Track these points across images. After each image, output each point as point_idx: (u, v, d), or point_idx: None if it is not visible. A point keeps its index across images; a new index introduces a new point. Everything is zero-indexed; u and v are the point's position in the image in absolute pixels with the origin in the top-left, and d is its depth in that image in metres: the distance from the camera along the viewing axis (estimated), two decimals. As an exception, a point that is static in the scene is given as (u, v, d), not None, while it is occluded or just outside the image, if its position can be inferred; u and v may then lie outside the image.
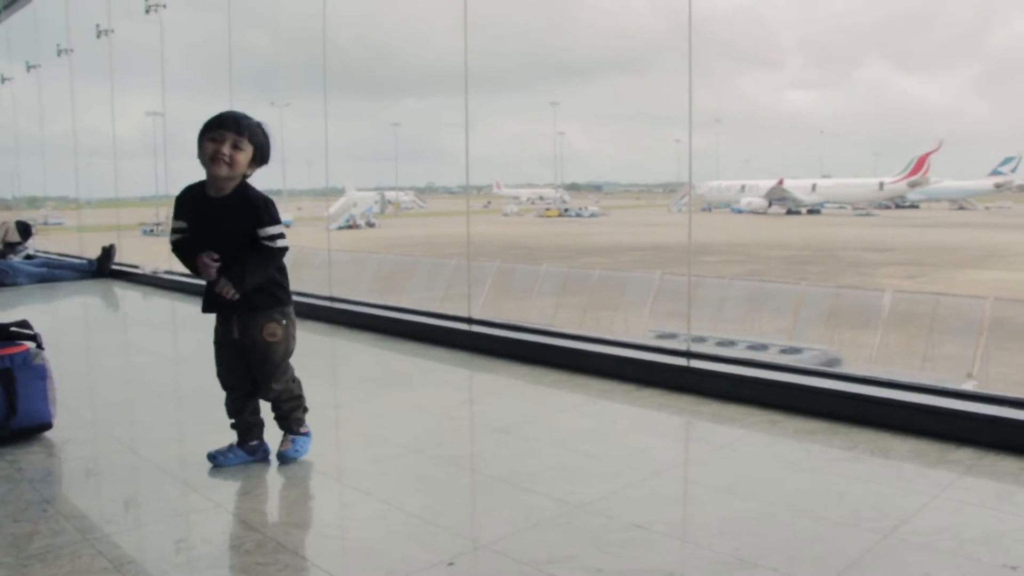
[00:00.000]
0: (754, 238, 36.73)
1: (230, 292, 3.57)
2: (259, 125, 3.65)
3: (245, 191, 3.64)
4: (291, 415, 3.87)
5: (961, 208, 49.40)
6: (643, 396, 4.92)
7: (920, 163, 44.22)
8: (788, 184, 44.47)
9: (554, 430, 4.35)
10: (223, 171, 3.53)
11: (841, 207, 46.37)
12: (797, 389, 4.51)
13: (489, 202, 67.52)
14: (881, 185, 45.49)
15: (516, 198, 64.83)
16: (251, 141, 3.58)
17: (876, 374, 4.59)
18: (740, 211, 45.22)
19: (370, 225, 45.19)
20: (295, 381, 3.88)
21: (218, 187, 3.60)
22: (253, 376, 3.77)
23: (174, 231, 3.66)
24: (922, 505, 3.32)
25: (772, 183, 44.03)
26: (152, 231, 21.61)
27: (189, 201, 3.69)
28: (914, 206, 46.55)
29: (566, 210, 52.22)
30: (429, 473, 3.79)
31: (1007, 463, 3.76)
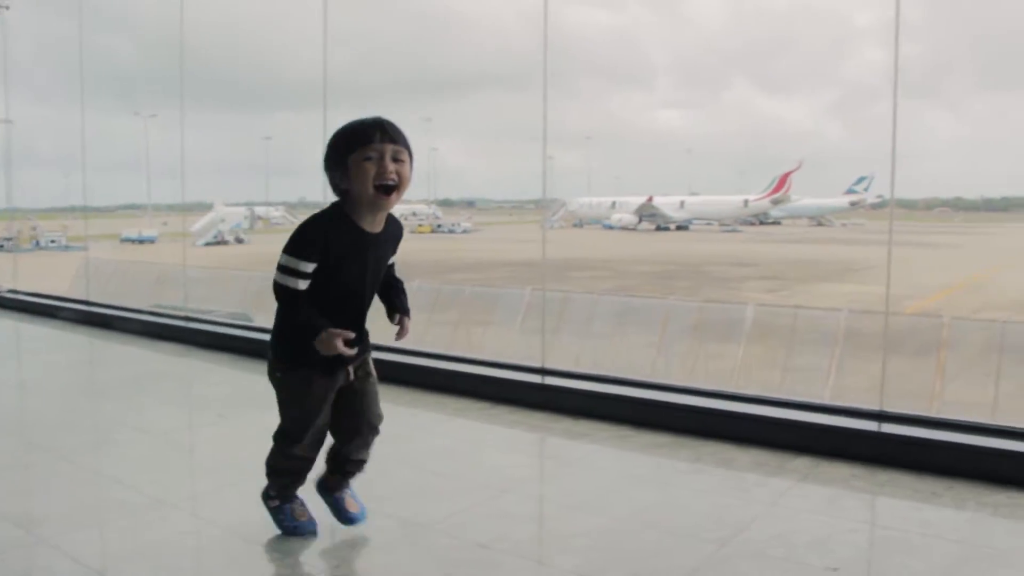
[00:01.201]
0: (624, 254, 37.52)
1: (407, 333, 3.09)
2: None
3: (394, 219, 3.03)
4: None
5: (820, 224, 51.82)
6: (498, 414, 4.92)
7: (782, 181, 46.20)
8: (657, 201, 45.79)
9: (407, 450, 4.30)
10: (395, 199, 2.83)
11: (708, 223, 48.01)
12: (647, 404, 4.59)
13: (361, 218, 66.26)
14: (746, 202, 47.35)
15: (389, 213, 64.01)
16: (410, 152, 2.87)
17: (724, 388, 4.73)
18: (611, 227, 46.25)
19: (239, 241, 44.13)
20: None
21: (378, 219, 2.91)
22: (354, 426, 3.16)
23: (297, 274, 2.80)
24: (759, 514, 3.43)
25: (642, 200, 45.25)
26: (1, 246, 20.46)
27: (338, 239, 2.83)
28: (777, 222, 48.58)
29: (439, 226, 52.22)
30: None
31: (839, 469, 3.92)
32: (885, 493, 3.72)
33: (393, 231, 3.01)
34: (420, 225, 52.93)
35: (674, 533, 3.22)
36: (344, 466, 3.23)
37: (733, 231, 45.89)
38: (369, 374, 3.13)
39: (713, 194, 49.98)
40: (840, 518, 3.43)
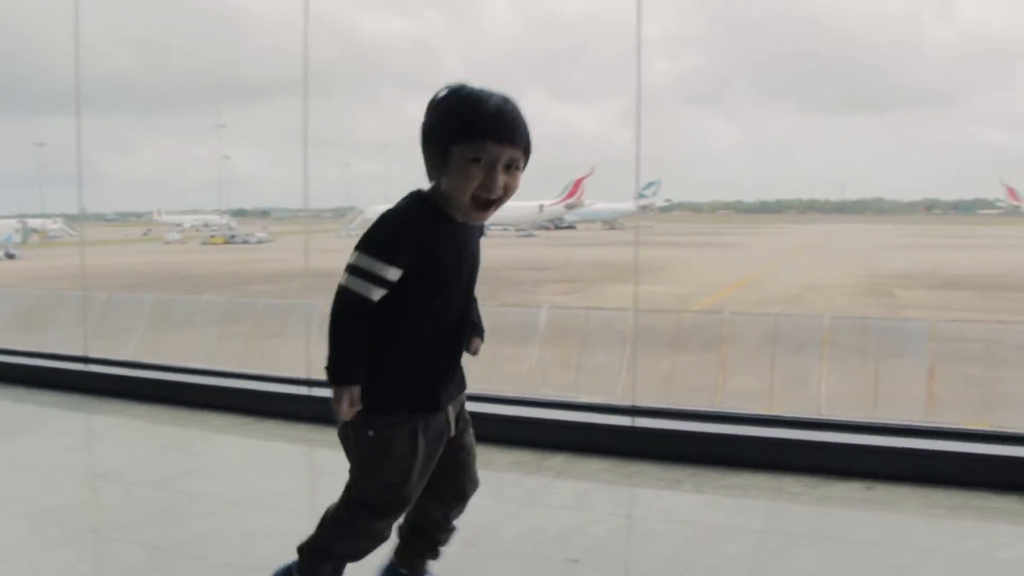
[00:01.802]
0: (424, 261, 37.75)
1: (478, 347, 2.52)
2: None
3: None
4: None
5: (612, 228, 53.93)
6: (261, 428, 4.81)
7: (576, 187, 47.76)
8: (459, 207, 46.08)
9: (159, 471, 4.12)
10: (491, 214, 2.29)
11: (505, 228, 48.91)
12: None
13: (149, 230, 63.70)
14: (541, 208, 48.58)
15: (179, 225, 61.71)
16: (528, 152, 2.27)
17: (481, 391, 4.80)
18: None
19: (9, 256, 41.07)
20: None
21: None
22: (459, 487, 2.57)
23: (375, 280, 2.17)
24: (511, 513, 3.50)
25: (438, 208, 45.38)
26: None
27: (432, 238, 2.23)
28: (571, 227, 50.18)
29: (233, 237, 50.52)
30: (8, 533, 3.43)
31: (593, 464, 4.08)
32: (633, 484, 3.90)
33: (480, 231, 2.43)
34: (212, 236, 51.06)
35: (423, 537, 3.24)
36: (438, 537, 2.63)
37: (529, 236, 46.99)
38: (468, 420, 2.55)
39: (510, 200, 50.98)
40: (587, 511, 3.56)
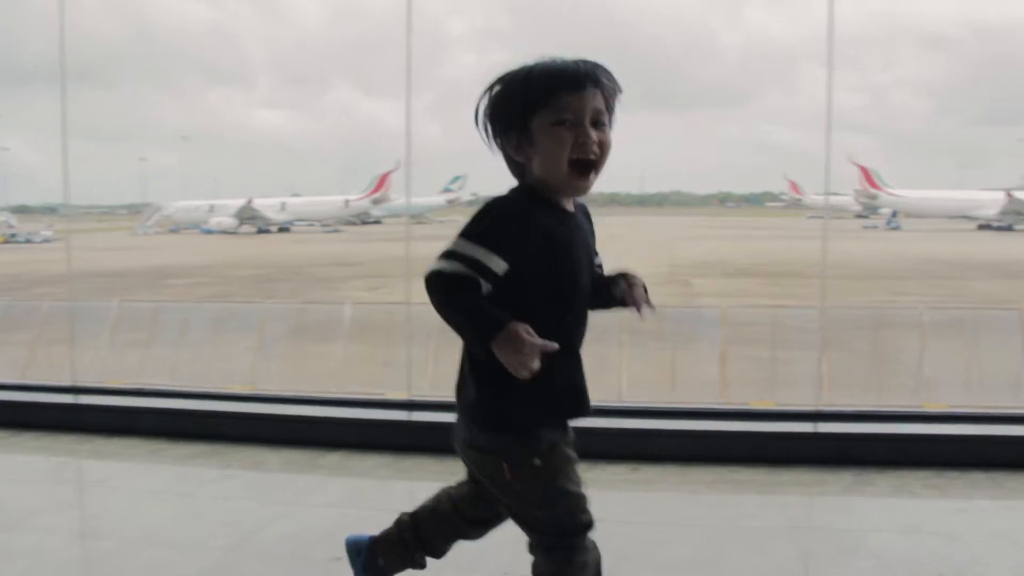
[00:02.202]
0: (224, 258, 36.34)
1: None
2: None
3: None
4: None
5: (420, 223, 53.80)
6: (20, 441, 4.51)
7: (382, 181, 47.32)
8: (258, 203, 44.80)
9: None
10: (593, 182, 2.01)
11: (311, 224, 47.97)
12: (180, 414, 4.45)
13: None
14: (347, 203, 47.88)
15: (-58, 224, 56.65)
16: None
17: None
18: (210, 231, 44.52)
19: None
20: None
21: (569, 200, 2.08)
22: None
23: (479, 268, 1.88)
24: (277, 514, 3.44)
25: (242, 202, 44.12)
26: None
27: (541, 229, 1.96)
28: (378, 222, 49.74)
29: (13, 235, 46.94)
30: None
31: (369, 461, 4.08)
32: (408, 478, 3.93)
33: (584, 211, 2.15)
34: (-9, 236, 47.41)
35: (180, 546, 3.13)
36: (438, 550, 2.52)
37: (335, 231, 46.23)
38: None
39: (315, 195, 50.10)
40: (358, 508, 3.54)
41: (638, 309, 2.12)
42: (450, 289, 1.87)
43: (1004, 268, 27.38)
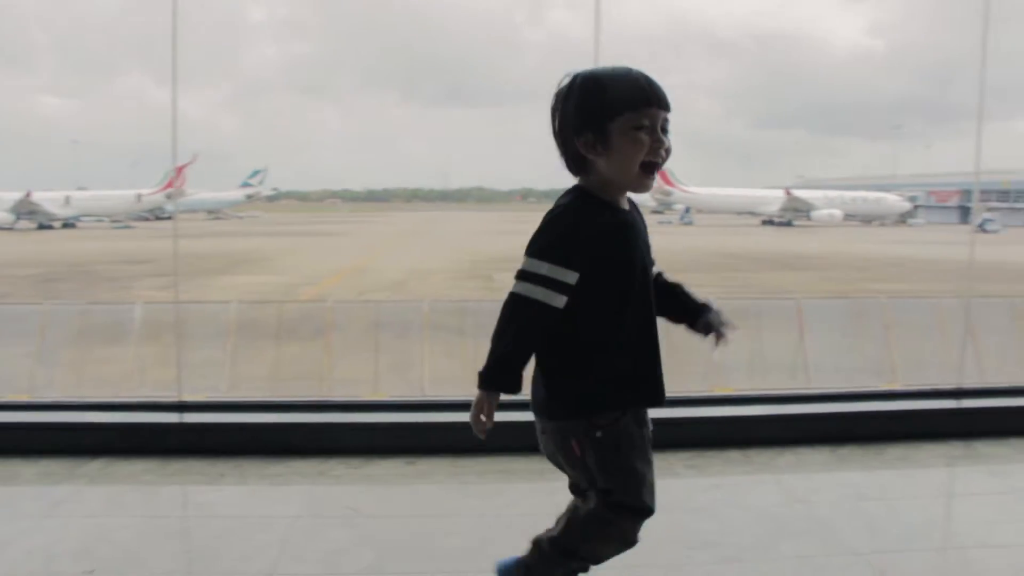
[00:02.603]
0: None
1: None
2: None
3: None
4: None
5: (218, 218, 52.06)
6: None
7: (177, 175, 45.32)
8: (38, 197, 41.89)
9: None
10: (653, 180, 2.20)
11: (99, 220, 45.33)
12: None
13: None
14: (139, 197, 45.53)
15: None
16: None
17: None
18: (-17, 227, 41.39)
19: None
20: None
21: (624, 200, 2.26)
22: None
23: (557, 286, 2.09)
24: (26, 529, 3.23)
25: (20, 196, 41.15)
26: None
27: (606, 233, 2.15)
28: (170, 217, 47.59)
29: None
30: None
31: (133, 466, 3.89)
32: (173, 482, 3.78)
33: (636, 207, 2.29)
34: None
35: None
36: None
37: (127, 227, 43.91)
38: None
39: (104, 189, 47.32)
40: (116, 517, 3.40)
41: (716, 343, 2.38)
42: (515, 313, 2.13)
43: (784, 261, 29.39)
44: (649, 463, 2.35)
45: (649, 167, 2.13)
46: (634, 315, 2.20)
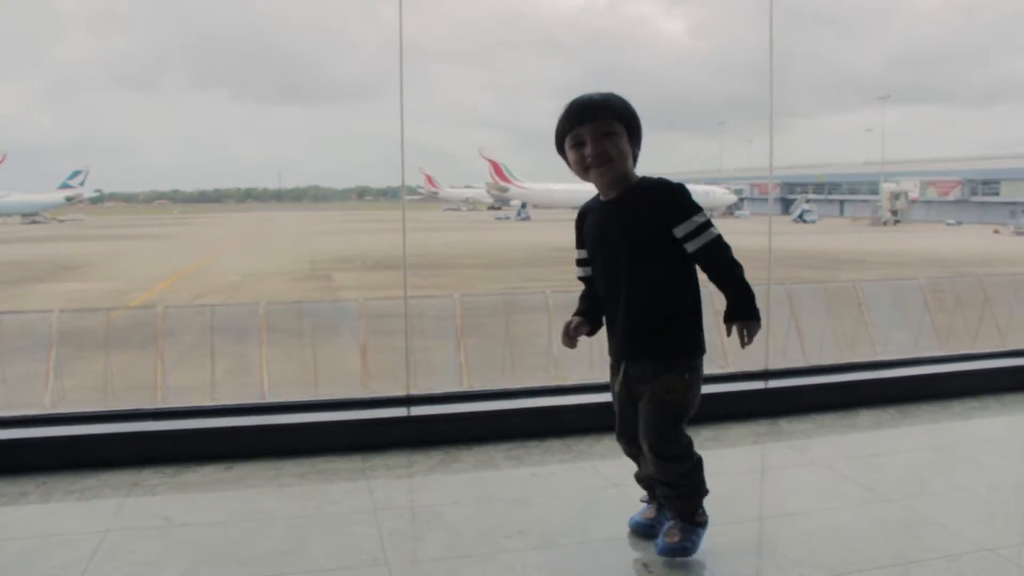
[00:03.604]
0: None
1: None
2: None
3: (649, 182, 2.85)
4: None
5: (35, 222, 49.17)
6: None
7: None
8: None
9: None
10: (607, 170, 2.82)
11: None
12: None
13: None
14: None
15: None
16: (624, 119, 2.81)
17: None
18: None
19: None
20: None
21: (609, 185, 2.88)
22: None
23: (578, 262, 3.09)
24: None
25: None
26: None
27: (589, 217, 2.99)
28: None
29: None
30: None
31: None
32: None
33: (646, 197, 2.81)
34: None
35: None
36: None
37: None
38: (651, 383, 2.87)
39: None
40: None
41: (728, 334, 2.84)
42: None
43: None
44: None
45: (591, 168, 2.77)
46: (603, 286, 2.91)
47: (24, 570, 2.94)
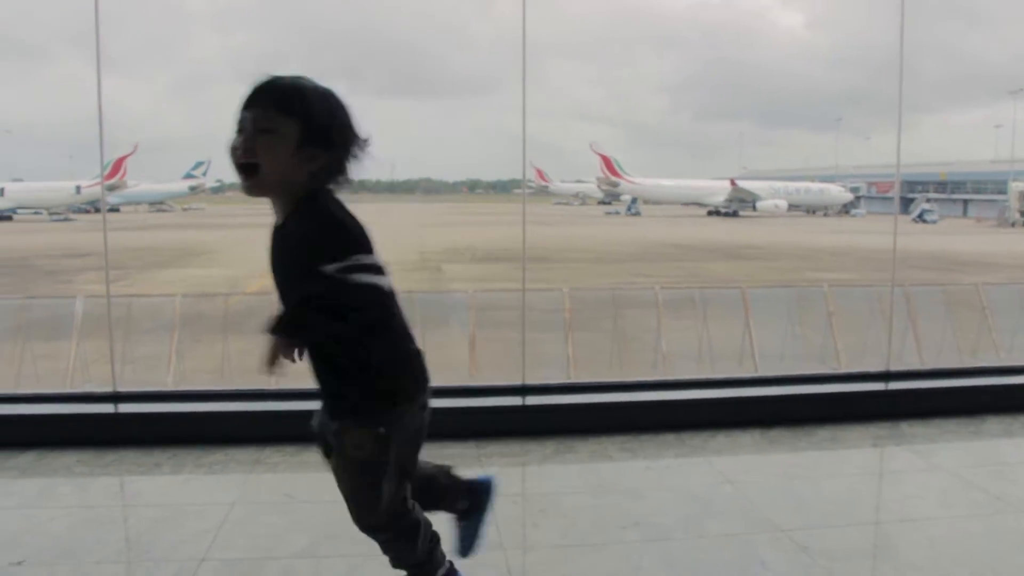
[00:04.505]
0: (-70, 250, 33.23)
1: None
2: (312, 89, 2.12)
3: (311, 212, 2.10)
4: None
5: (161, 210, 51.32)
6: None
7: (117, 166, 44.47)
8: (-34, 189, 41.12)
9: None
10: (253, 185, 2.08)
11: (36, 212, 44.47)
12: None
13: None
14: (78, 189, 44.69)
15: None
16: (297, 114, 2.05)
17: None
18: (-92, 219, 40.31)
19: None
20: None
21: (278, 206, 2.15)
22: None
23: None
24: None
25: (-49, 188, 40.27)
26: None
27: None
28: (115, 209, 46.75)
29: None
30: None
31: (67, 458, 3.87)
32: (108, 473, 3.76)
33: (298, 227, 2.09)
34: None
35: None
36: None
37: (66, 220, 43.10)
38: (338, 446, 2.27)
39: (41, 180, 46.32)
40: (47, 508, 3.36)
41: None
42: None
43: (729, 250, 29.75)
44: None
45: (237, 168, 2.07)
46: None
47: (160, 536, 3.09)
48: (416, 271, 24.36)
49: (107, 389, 4.26)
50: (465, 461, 3.88)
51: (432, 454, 3.93)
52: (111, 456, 3.88)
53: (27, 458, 3.84)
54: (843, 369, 6.98)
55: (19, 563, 2.84)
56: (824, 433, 4.32)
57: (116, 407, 4.18)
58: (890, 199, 57.35)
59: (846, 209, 56.77)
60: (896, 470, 4.10)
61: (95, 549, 3.01)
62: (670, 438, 4.23)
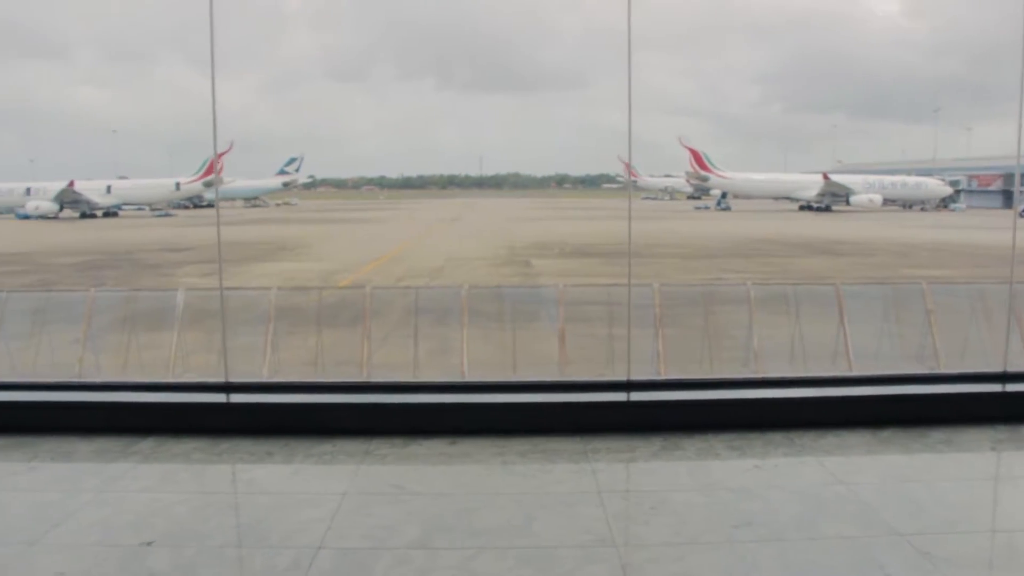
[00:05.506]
0: (44, 245, 34.45)
1: None
2: None
3: None
4: None
5: (255, 206, 52.51)
6: None
7: (213, 163, 45.71)
8: (80, 186, 42.46)
9: None
10: None
11: (140, 208, 45.97)
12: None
13: None
14: (178, 185, 46.07)
15: None
16: None
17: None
18: (27, 216, 41.92)
19: None
20: None
21: None
22: None
23: None
24: (85, 503, 3.33)
25: (63, 185, 41.80)
26: None
27: None
28: (211, 205, 48.00)
29: None
30: None
31: (184, 445, 3.98)
32: (223, 460, 3.87)
33: None
34: None
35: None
36: None
37: (166, 215, 44.50)
38: None
39: (143, 177, 47.86)
40: (170, 492, 3.48)
41: None
42: None
43: (822, 246, 29.06)
44: None
45: None
46: None
47: (275, 523, 3.17)
48: (505, 265, 24.40)
49: (219, 380, 4.37)
50: (572, 456, 3.89)
51: (537, 448, 3.96)
52: (225, 444, 3.99)
53: (147, 444, 3.97)
54: (948, 370, 6.75)
55: (149, 543, 2.94)
56: (938, 435, 4.18)
57: (228, 397, 4.29)
58: (993, 193, 55.36)
59: (944, 203, 54.91)
60: (1018, 476, 3.96)
61: (216, 534, 3.10)
62: (777, 437, 4.14)
